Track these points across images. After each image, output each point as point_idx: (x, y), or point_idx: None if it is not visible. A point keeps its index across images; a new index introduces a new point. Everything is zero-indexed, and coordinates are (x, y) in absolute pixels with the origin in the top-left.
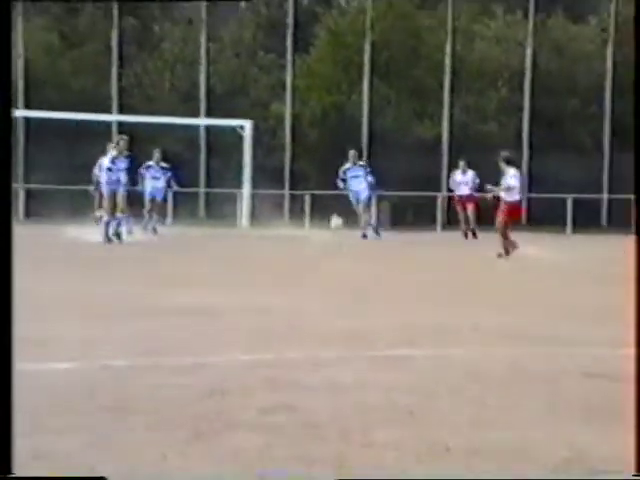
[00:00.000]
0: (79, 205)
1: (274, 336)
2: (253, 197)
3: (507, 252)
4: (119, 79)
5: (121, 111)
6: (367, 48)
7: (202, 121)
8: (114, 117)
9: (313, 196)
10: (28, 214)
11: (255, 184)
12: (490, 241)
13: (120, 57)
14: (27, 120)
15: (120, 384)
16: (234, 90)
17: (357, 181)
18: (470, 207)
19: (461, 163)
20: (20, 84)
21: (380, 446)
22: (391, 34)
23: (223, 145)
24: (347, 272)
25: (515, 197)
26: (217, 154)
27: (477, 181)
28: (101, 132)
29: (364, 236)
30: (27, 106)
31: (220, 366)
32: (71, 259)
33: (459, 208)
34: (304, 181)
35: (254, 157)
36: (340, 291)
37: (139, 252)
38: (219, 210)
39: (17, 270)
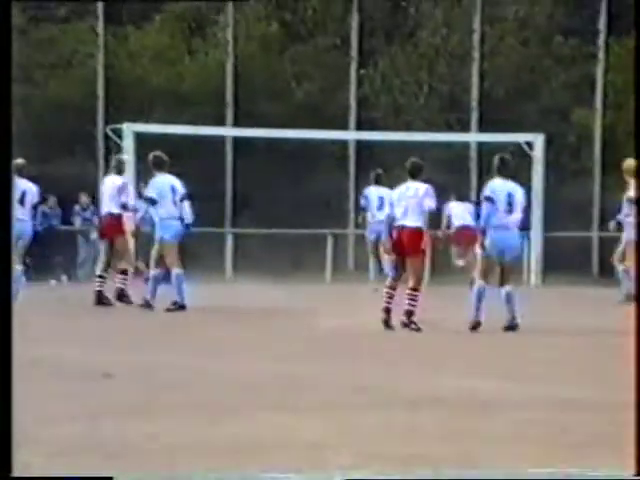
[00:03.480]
0: (308, 255)
1: (591, 446)
2: (546, 242)
3: None
4: (358, 82)
5: (360, 126)
6: None
7: (473, 136)
8: (352, 134)
9: None
10: (236, 267)
11: (548, 224)
12: None
13: (360, 52)
14: (235, 140)
15: None
16: (519, 92)
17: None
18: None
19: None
20: (229, 92)
21: None
22: None
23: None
24: None
25: None
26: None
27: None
28: (335, 154)
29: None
30: (236, 122)
31: None
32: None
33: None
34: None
35: (547, 185)
36: None
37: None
38: None
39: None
